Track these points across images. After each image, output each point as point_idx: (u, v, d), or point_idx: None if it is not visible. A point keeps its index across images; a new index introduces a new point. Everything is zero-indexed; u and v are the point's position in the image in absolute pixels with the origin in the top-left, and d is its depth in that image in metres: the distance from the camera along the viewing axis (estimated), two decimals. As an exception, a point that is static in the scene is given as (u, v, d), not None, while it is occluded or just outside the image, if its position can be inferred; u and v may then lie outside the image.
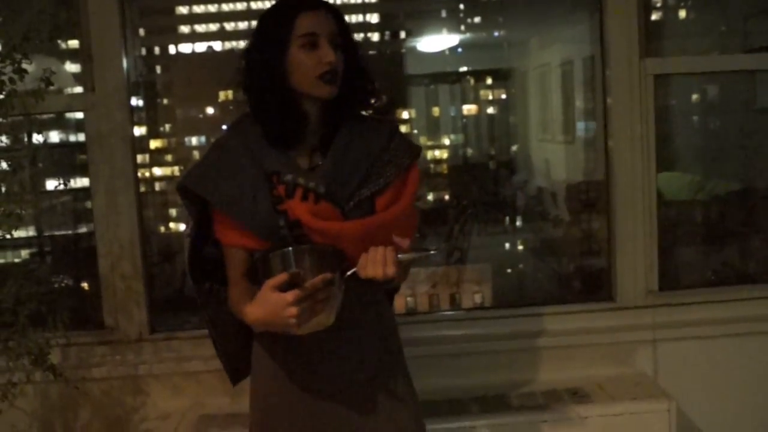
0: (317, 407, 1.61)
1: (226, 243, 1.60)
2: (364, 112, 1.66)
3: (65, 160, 3.56)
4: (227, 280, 1.62)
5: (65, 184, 2.23)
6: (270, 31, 1.54)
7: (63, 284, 2.69)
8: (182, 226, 4.00)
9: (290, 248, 1.52)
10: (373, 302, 1.66)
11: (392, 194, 1.58)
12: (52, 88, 2.09)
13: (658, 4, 3.42)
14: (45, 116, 2.99)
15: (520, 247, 4.34)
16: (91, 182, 2.48)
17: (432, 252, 2.28)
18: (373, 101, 1.64)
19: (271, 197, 1.53)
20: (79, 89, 2.56)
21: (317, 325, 1.43)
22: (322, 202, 1.53)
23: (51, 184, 3.07)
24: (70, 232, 3.26)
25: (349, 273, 1.44)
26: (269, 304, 1.40)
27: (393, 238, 1.46)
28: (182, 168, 4.25)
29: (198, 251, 1.66)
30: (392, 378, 1.66)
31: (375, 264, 1.42)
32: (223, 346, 1.74)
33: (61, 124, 3.57)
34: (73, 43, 2.63)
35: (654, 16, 3.32)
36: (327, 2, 1.57)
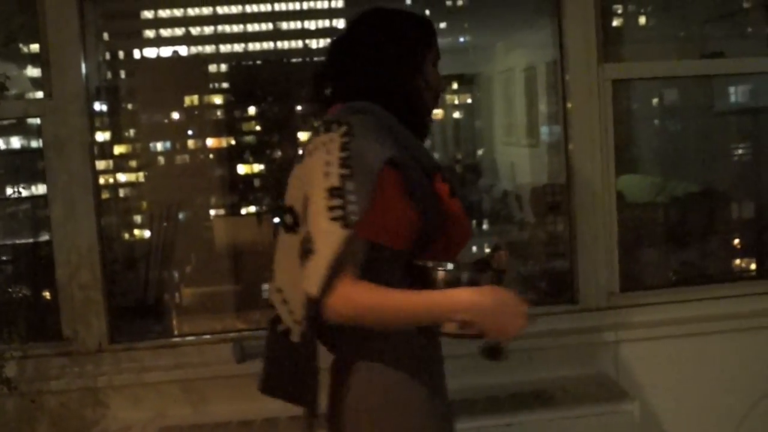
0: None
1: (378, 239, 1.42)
2: None
3: (26, 166, 3.50)
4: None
5: (20, 192, 2.18)
6: (413, 35, 1.59)
7: (20, 294, 2.64)
8: (147, 233, 3.95)
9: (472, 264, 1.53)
10: None
11: None
12: (11, 92, 2.05)
13: (619, 11, 3.46)
14: (5, 122, 2.95)
15: (487, 251, 4.37)
16: (48, 189, 2.44)
17: None
18: None
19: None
20: (40, 94, 2.52)
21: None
22: None
23: (10, 191, 3.01)
24: (27, 240, 3.21)
25: None
26: (505, 303, 1.39)
27: None
28: (146, 174, 4.21)
29: None
30: None
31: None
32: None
33: (22, 129, 3.51)
34: (36, 48, 2.59)
35: (615, 22, 3.36)
36: None
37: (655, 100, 3.70)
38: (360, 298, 1.37)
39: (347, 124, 1.44)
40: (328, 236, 1.35)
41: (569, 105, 2.57)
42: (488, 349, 1.43)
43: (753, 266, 3.30)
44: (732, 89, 3.50)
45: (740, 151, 3.56)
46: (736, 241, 3.33)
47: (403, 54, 1.56)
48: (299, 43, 4.59)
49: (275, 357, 1.54)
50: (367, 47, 1.56)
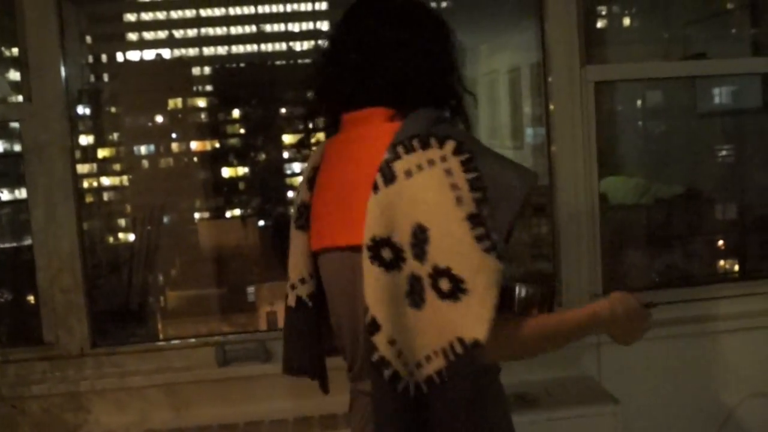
0: None
1: None
2: None
3: (8, 170, 3.48)
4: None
5: (-1, 197, 2.16)
6: (449, 30, 1.46)
7: (1, 299, 2.62)
8: (131, 237, 3.93)
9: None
10: None
11: None
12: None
13: (602, 12, 3.48)
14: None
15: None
16: (28, 194, 2.42)
17: None
18: None
19: None
20: (20, 98, 2.49)
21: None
22: None
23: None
24: (9, 245, 3.18)
25: None
26: (634, 311, 1.43)
27: None
28: (130, 177, 4.18)
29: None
30: None
31: None
32: None
33: (4, 133, 3.49)
34: (16, 51, 2.57)
35: (598, 24, 3.37)
36: None
37: (638, 102, 3.72)
38: (525, 334, 1.30)
39: (453, 140, 1.27)
40: (485, 272, 1.22)
41: (552, 107, 2.58)
42: None
43: (737, 268, 3.32)
44: (716, 91, 3.53)
45: (724, 153, 3.58)
46: (720, 242, 3.35)
47: (450, 53, 1.44)
48: (283, 46, 4.58)
49: (401, 421, 1.29)
50: (421, 46, 1.40)
